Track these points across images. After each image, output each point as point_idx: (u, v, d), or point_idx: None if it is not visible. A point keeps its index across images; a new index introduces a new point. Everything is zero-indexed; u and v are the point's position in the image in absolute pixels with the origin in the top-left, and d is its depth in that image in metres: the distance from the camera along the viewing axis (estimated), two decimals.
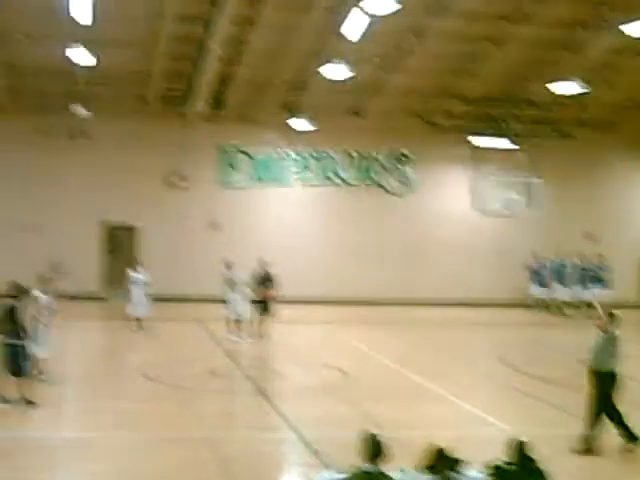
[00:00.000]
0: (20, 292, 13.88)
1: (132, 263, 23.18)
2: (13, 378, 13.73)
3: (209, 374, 17.13)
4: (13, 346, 13.59)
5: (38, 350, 14.89)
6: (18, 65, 26.47)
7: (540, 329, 27.44)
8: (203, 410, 14.02)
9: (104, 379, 16.28)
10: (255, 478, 10.65)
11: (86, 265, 29.13)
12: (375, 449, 7.29)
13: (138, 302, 21.93)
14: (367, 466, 7.20)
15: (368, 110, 30.42)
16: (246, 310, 21.49)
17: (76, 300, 27.20)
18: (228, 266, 21.95)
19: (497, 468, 8.13)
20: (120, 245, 30.22)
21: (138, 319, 21.99)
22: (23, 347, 13.62)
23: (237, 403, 15.07)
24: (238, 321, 21.43)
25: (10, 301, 13.74)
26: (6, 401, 13.56)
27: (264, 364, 19.59)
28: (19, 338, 13.63)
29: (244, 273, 21.79)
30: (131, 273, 22.42)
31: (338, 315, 27.62)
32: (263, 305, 21.71)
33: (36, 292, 15.14)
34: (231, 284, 21.60)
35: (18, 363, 13.57)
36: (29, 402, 13.62)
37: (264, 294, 21.68)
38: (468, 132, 31.05)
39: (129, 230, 30.14)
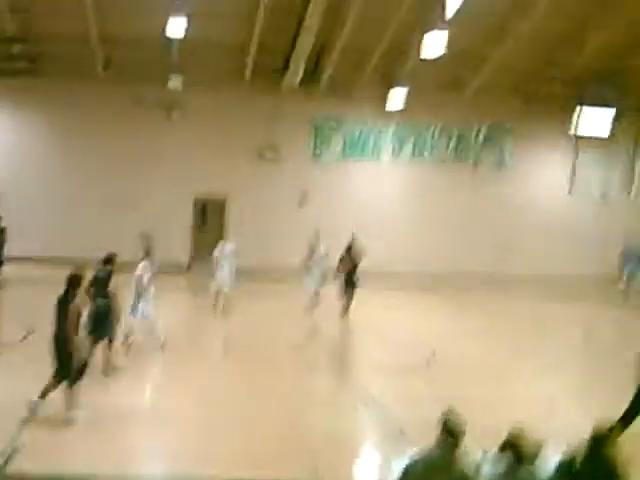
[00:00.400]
0: (110, 261, 14.59)
1: (222, 236, 22.95)
2: (101, 341, 14.12)
3: (294, 350, 17.20)
4: (104, 311, 14.05)
5: (138, 320, 15.56)
6: (114, 36, 26.70)
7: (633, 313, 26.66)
8: (287, 387, 14.09)
9: (187, 352, 16.48)
10: (339, 456, 10.71)
11: (177, 238, 29.56)
12: (455, 428, 7.33)
13: (223, 277, 21.40)
14: (446, 443, 7.25)
15: (466, 84, 29.94)
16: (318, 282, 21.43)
17: (166, 273, 27.88)
18: (316, 237, 21.91)
19: (572, 457, 8.05)
20: (211, 218, 30.56)
21: (223, 292, 21.53)
22: (112, 312, 14.01)
23: (321, 380, 15.09)
24: (317, 292, 21.36)
25: (103, 269, 14.33)
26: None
27: (349, 341, 19.56)
28: (109, 303, 14.06)
29: (324, 247, 21.68)
30: (220, 246, 21.91)
31: (426, 293, 27.42)
32: (349, 279, 21.61)
33: (142, 264, 15.84)
34: (312, 256, 21.56)
35: (106, 327, 13.99)
36: (112, 367, 14.00)
37: (349, 267, 21.62)
38: (569, 111, 30.26)
39: (220, 203, 30.34)
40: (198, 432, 11.35)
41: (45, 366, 13.83)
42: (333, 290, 21.65)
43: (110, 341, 14.38)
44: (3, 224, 24.31)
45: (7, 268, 26.00)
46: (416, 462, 7.32)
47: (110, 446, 10.63)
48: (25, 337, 16.55)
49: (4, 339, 16.02)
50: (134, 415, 11.95)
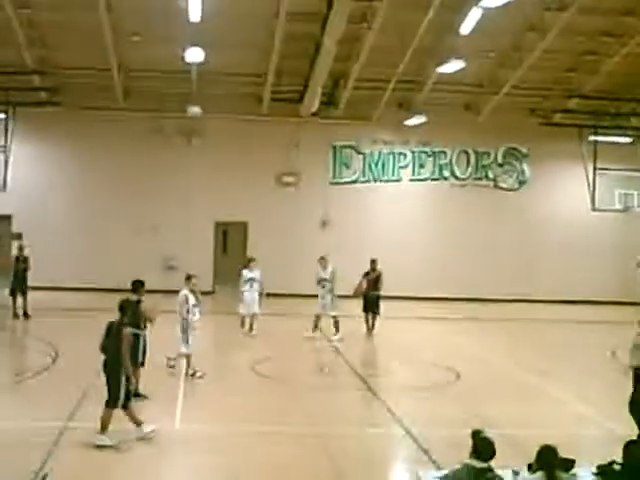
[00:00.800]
0: (139, 287, 14.53)
1: (245, 261, 22.94)
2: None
3: (318, 370, 17.28)
4: (136, 337, 14.17)
5: (185, 347, 15.71)
6: (133, 66, 27.26)
7: None
8: (312, 406, 14.14)
9: (215, 374, 16.57)
10: (365, 474, 10.71)
11: (199, 262, 29.66)
12: (485, 447, 7.28)
13: (251, 301, 21.44)
14: (476, 462, 7.18)
15: (482, 106, 30.17)
16: (328, 305, 21.38)
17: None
18: (323, 263, 21.86)
19: (606, 469, 8.06)
20: (232, 242, 30.86)
21: (250, 317, 21.55)
22: (142, 338, 14.18)
23: (345, 399, 15.10)
24: (335, 317, 21.32)
25: (133, 296, 14.33)
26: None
27: (372, 361, 19.63)
28: (140, 330, 14.20)
29: (330, 270, 21.63)
30: (244, 271, 21.85)
31: (447, 313, 27.44)
32: (371, 302, 21.80)
33: (184, 290, 15.95)
34: (321, 280, 21.58)
35: (137, 354, 14.08)
36: (139, 395, 14.11)
37: (368, 289, 21.92)
38: (585, 128, 30.40)
39: (241, 227, 30.64)
40: (229, 454, 11.41)
41: (70, 391, 14.08)
42: (354, 310, 21.76)
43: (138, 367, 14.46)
44: (26, 252, 24.28)
45: (32, 296, 26.25)
46: None
47: (142, 472, 10.72)
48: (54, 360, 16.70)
49: (29, 366, 16.15)
50: (164, 440, 12.03)
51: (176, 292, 16.61)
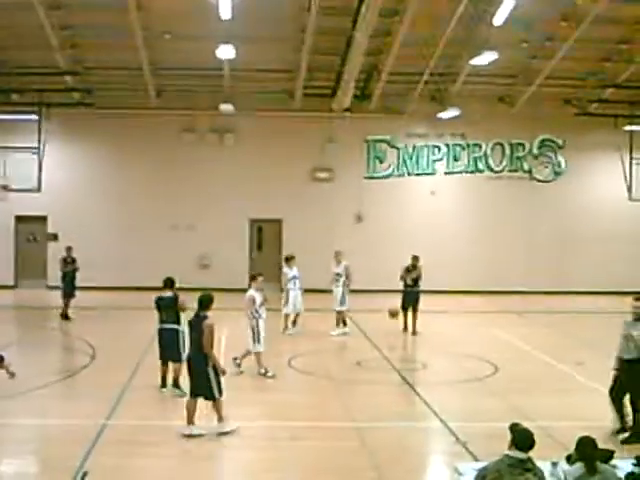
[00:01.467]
0: (172, 285, 14.79)
1: (283, 259, 22.79)
2: (171, 363, 14.49)
3: (356, 365, 17.25)
4: (174, 332, 14.41)
5: (256, 346, 15.89)
6: (165, 65, 27.30)
7: None
8: (350, 400, 14.12)
9: (251, 370, 16.60)
10: (403, 467, 10.68)
11: (234, 259, 29.86)
12: (524, 437, 7.21)
13: (295, 300, 21.26)
14: (516, 453, 7.11)
15: (517, 98, 29.96)
16: (336, 300, 21.40)
17: (225, 292, 28.13)
18: (337, 258, 21.86)
19: None
20: (267, 239, 30.91)
21: (295, 315, 21.43)
22: (181, 333, 14.36)
23: (383, 393, 15.06)
24: (340, 312, 21.35)
25: (168, 292, 14.66)
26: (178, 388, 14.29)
27: (409, 355, 19.56)
28: (178, 325, 14.48)
29: (343, 265, 21.65)
30: (285, 269, 21.64)
31: (483, 305, 27.30)
32: (410, 299, 21.59)
33: (250, 291, 16.15)
34: (337, 276, 21.55)
35: (177, 349, 14.27)
36: (178, 387, 14.27)
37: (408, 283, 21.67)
38: (620, 118, 30.07)
39: (275, 225, 30.68)
40: (267, 449, 11.43)
41: (108, 389, 14.20)
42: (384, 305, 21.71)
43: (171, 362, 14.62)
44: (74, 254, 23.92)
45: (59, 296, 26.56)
46: (485, 475, 7.26)
47: (180, 470, 10.77)
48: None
49: (69, 364, 16.30)
50: (203, 437, 12.08)
51: (211, 290, 16.66)
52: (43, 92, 27.71)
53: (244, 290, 29.65)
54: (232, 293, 28.45)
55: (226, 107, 27.97)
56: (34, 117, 28.37)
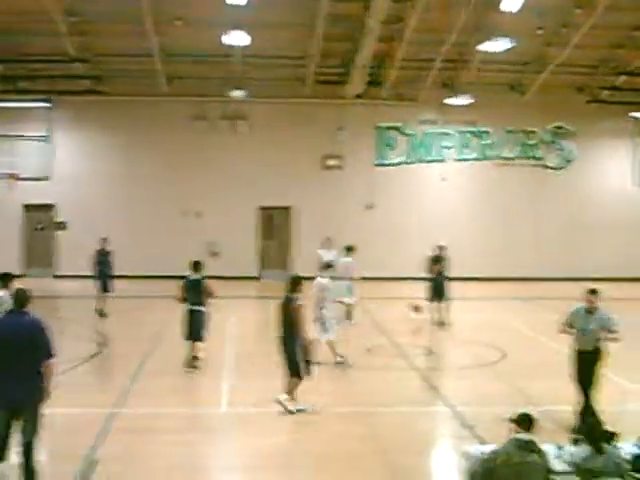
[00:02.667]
0: (200, 267, 15.36)
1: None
2: (193, 342, 14.98)
3: (366, 352, 17.25)
4: (199, 313, 14.94)
5: (328, 334, 15.59)
6: (175, 51, 27.22)
7: None
8: (359, 386, 14.14)
9: (261, 357, 16.62)
10: (410, 452, 10.71)
11: (244, 247, 29.89)
12: (523, 417, 7.43)
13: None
14: (522, 435, 7.30)
15: (527, 85, 29.87)
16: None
17: (236, 280, 28.20)
18: (327, 244, 21.44)
19: None
20: (277, 226, 30.86)
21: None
22: (205, 315, 15.03)
23: (392, 379, 15.06)
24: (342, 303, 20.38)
25: (195, 275, 15.17)
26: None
27: (418, 341, 19.50)
28: (202, 306, 15.05)
29: (334, 252, 21.09)
30: (321, 252, 21.07)
31: (493, 292, 27.25)
32: (439, 289, 20.71)
33: (322, 279, 15.76)
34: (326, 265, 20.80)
35: (200, 329, 14.84)
36: (193, 366, 14.69)
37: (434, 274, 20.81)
38: (631, 105, 29.95)
39: (286, 211, 30.65)
40: (278, 435, 11.45)
41: (119, 377, 14.24)
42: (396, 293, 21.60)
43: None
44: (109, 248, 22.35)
45: (78, 284, 26.52)
46: (495, 457, 7.35)
47: (190, 455, 10.80)
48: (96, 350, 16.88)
49: (79, 353, 16.31)
50: (209, 424, 12.13)
51: (220, 278, 16.78)
52: (52, 79, 27.64)
53: (253, 278, 29.97)
54: (241, 281, 28.72)
55: (238, 93, 27.93)
56: (43, 105, 28.31)
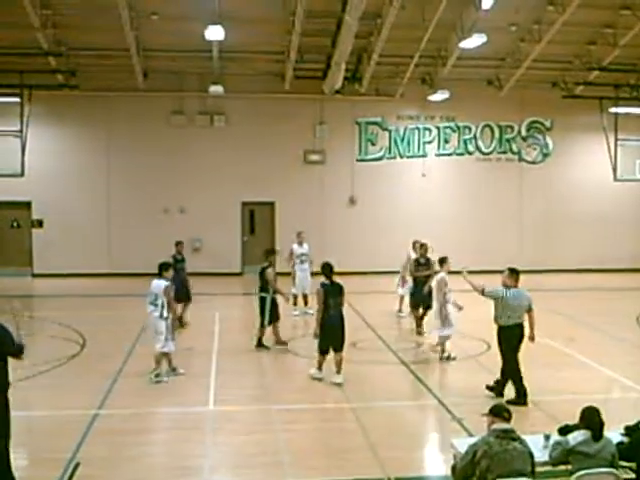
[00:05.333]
0: (271, 255, 17.31)
1: (298, 234, 21.98)
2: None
3: (351, 346, 17.21)
4: (261, 299, 16.72)
5: (443, 330, 16.02)
6: (152, 46, 27.01)
7: None
8: (346, 381, 14.07)
9: (246, 354, 16.57)
10: (399, 446, 10.69)
11: (226, 243, 29.79)
12: (500, 407, 7.76)
13: (304, 278, 21.05)
14: (502, 425, 7.50)
15: (505, 80, 30.09)
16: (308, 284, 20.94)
17: (218, 276, 28.12)
18: (299, 238, 21.38)
19: (634, 429, 8.38)
20: (260, 222, 30.73)
21: (304, 296, 21.04)
22: (266, 300, 16.60)
23: (379, 373, 15.06)
24: (305, 296, 21.05)
25: (264, 262, 16.97)
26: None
27: (403, 334, 19.51)
28: (266, 293, 16.56)
29: (306, 246, 21.38)
30: (295, 246, 21.12)
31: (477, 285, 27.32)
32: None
33: (441, 274, 16.46)
34: (301, 255, 21.15)
35: (262, 314, 16.64)
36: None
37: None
38: (606, 100, 30.19)
39: (268, 208, 30.53)
40: (265, 431, 11.41)
41: (100, 378, 14.09)
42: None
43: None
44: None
45: (58, 284, 26.27)
46: (475, 450, 7.40)
47: (171, 455, 10.72)
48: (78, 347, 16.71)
49: (57, 354, 16.16)
50: (195, 422, 12.06)
51: (203, 274, 16.77)
52: (25, 73, 27.06)
53: (236, 274, 29.86)
54: (224, 277, 28.64)
55: (216, 89, 27.78)
56: (16, 99, 27.81)
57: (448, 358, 15.83)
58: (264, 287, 16.67)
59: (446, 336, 15.97)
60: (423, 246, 19.46)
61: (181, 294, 18.60)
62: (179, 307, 18.44)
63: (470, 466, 7.38)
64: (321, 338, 13.85)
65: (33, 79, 27.18)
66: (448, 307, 16.02)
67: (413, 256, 19.77)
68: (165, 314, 14.01)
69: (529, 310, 13.09)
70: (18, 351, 8.69)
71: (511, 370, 12.73)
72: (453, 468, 7.87)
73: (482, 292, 13.61)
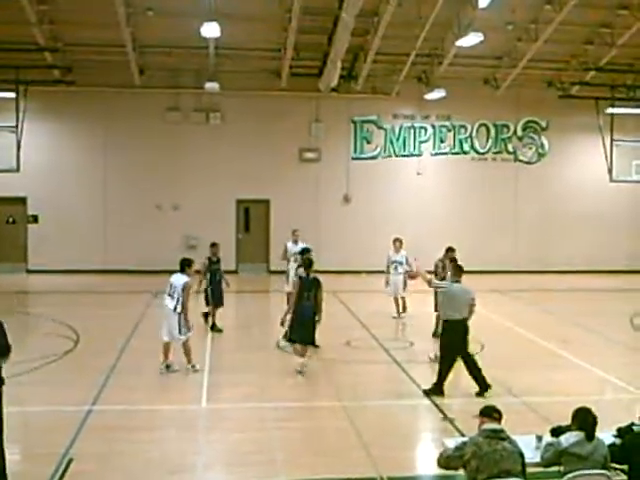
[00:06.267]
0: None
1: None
2: None
3: (345, 345, 17.24)
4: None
5: None
6: (148, 42, 26.97)
7: None
8: (339, 380, 14.11)
9: (240, 351, 16.58)
10: (391, 445, 10.70)
11: (221, 240, 29.56)
12: (489, 408, 7.71)
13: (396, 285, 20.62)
14: (491, 425, 7.51)
15: (501, 80, 30.10)
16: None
17: None
18: (294, 236, 21.00)
19: (627, 430, 8.32)
20: (255, 219, 30.70)
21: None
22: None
23: (372, 372, 15.09)
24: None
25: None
26: None
27: (397, 335, 19.54)
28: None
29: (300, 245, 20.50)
30: (289, 244, 20.68)
31: (470, 285, 27.31)
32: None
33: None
34: (293, 256, 20.12)
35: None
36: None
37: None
38: (602, 100, 30.20)
39: (263, 205, 30.51)
40: (260, 429, 11.40)
41: (94, 374, 14.08)
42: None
43: None
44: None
45: (53, 280, 26.21)
46: (463, 448, 7.44)
47: (168, 452, 10.71)
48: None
49: (52, 350, 16.13)
50: (188, 419, 12.06)
51: (197, 272, 16.68)
52: (21, 69, 26.99)
53: (231, 272, 29.80)
54: None
55: (211, 86, 27.70)
56: (11, 95, 27.75)
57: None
58: None
59: None
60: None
61: (215, 297, 18.51)
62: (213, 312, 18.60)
63: (456, 460, 7.44)
64: (291, 328, 14.33)
65: (29, 75, 27.17)
66: None
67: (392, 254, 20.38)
68: (179, 309, 14.18)
69: (471, 306, 13.32)
70: (5, 350, 8.65)
71: (444, 363, 13.10)
72: (440, 456, 7.79)
73: (429, 283, 14.08)
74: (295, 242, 20.88)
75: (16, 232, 29.60)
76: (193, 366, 14.52)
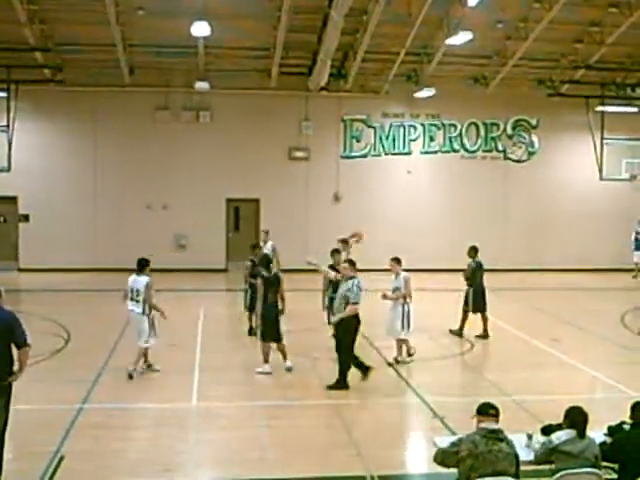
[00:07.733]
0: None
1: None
2: None
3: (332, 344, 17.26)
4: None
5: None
6: (138, 41, 26.91)
7: None
8: (329, 379, 14.11)
9: (230, 350, 16.58)
10: (382, 443, 10.74)
11: (211, 239, 29.73)
12: (486, 406, 7.60)
13: None
14: (489, 424, 7.44)
15: (491, 78, 30.12)
16: None
17: (203, 272, 28.11)
18: (264, 237, 21.18)
19: (617, 429, 8.37)
20: (244, 218, 30.70)
21: None
22: None
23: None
24: None
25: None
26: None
27: (386, 333, 19.55)
28: None
29: (270, 245, 20.87)
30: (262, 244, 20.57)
31: (459, 284, 27.39)
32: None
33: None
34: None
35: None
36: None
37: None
38: (592, 99, 30.33)
39: (253, 205, 30.50)
40: (246, 427, 11.44)
41: (84, 372, 14.04)
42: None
43: None
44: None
45: (42, 278, 26.15)
46: (459, 445, 7.43)
47: (154, 451, 10.72)
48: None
49: (42, 348, 16.10)
50: (177, 419, 12.08)
51: (188, 271, 16.68)
52: (11, 68, 27.01)
53: (221, 270, 29.87)
54: (209, 273, 28.61)
55: (201, 85, 27.75)
56: (2, 94, 27.70)
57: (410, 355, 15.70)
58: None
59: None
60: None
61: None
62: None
63: (451, 457, 7.42)
64: (262, 328, 14.51)
65: (20, 74, 27.27)
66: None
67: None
68: (147, 311, 14.07)
69: (347, 303, 13.58)
70: (24, 344, 9.17)
71: (346, 354, 13.57)
72: (436, 452, 7.78)
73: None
74: (265, 242, 20.91)
75: (7, 231, 29.58)
76: (135, 369, 14.06)
